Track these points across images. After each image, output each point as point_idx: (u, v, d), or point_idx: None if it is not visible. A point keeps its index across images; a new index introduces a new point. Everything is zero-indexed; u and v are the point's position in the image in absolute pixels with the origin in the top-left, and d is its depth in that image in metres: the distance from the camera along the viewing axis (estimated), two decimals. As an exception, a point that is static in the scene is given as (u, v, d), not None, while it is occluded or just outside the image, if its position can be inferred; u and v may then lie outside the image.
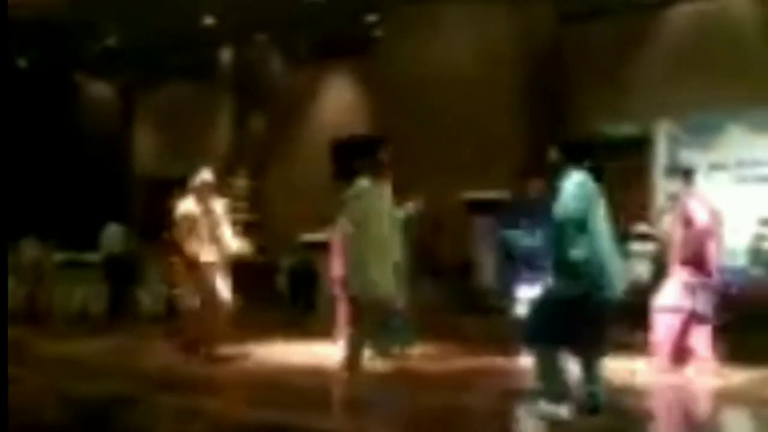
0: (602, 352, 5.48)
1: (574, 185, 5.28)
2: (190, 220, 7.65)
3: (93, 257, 12.03)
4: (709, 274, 6.81)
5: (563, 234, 5.21)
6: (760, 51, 11.30)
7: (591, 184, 5.34)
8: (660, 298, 6.96)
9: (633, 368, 6.93)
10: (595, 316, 5.39)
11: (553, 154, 5.50)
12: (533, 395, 5.43)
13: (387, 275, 6.78)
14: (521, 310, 7.78)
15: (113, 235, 12.29)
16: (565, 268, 5.24)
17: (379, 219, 6.85)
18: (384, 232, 6.86)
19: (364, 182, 6.94)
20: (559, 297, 5.27)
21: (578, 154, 5.48)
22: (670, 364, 6.88)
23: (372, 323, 6.88)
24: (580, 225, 5.20)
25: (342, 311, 8.16)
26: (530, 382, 5.54)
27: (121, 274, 11.98)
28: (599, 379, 5.41)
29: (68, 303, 11.38)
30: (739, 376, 6.82)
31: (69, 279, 11.51)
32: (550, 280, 5.46)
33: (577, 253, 5.17)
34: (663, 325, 6.91)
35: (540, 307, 5.42)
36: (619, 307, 5.54)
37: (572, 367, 5.50)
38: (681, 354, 6.90)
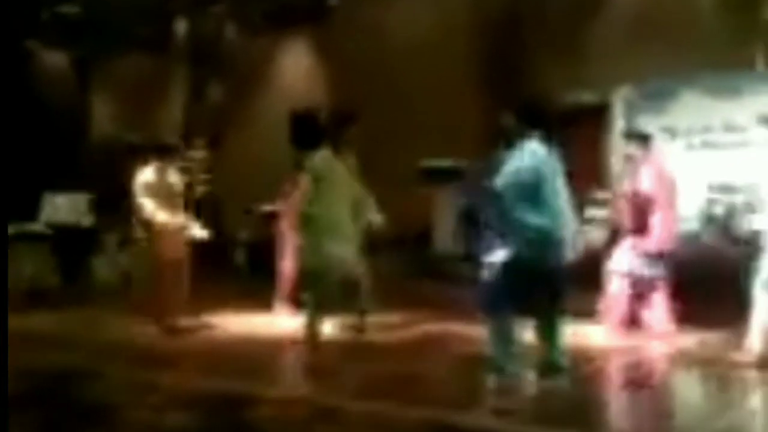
0: (559, 317, 5.54)
1: (524, 154, 5.32)
2: (149, 190, 7.58)
3: (43, 228, 11.74)
4: (660, 240, 6.89)
5: (510, 201, 5.25)
6: (715, 17, 11.37)
7: (542, 152, 5.35)
8: (612, 263, 7.04)
9: (586, 333, 7.02)
10: (550, 282, 5.44)
11: (507, 120, 5.51)
12: (488, 362, 5.47)
13: (343, 246, 6.79)
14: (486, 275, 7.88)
15: (62, 204, 12.03)
16: (515, 235, 5.30)
17: (335, 191, 6.84)
18: (340, 204, 6.85)
19: (323, 154, 6.92)
20: (512, 263, 5.31)
21: (533, 120, 5.49)
22: (623, 328, 6.98)
23: (328, 293, 6.89)
24: (528, 193, 5.24)
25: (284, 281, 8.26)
26: (487, 348, 5.58)
27: (75, 246, 11.79)
28: (558, 344, 5.48)
29: (17, 277, 11.19)
30: (690, 339, 6.94)
31: (17, 252, 11.28)
32: (505, 247, 5.47)
33: (527, 220, 5.23)
34: (614, 290, 7.00)
35: (495, 274, 5.46)
36: (573, 272, 5.59)
37: (527, 333, 5.58)
38: (633, 319, 7.01)
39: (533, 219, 5.24)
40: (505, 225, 5.36)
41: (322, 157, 6.95)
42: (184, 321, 7.66)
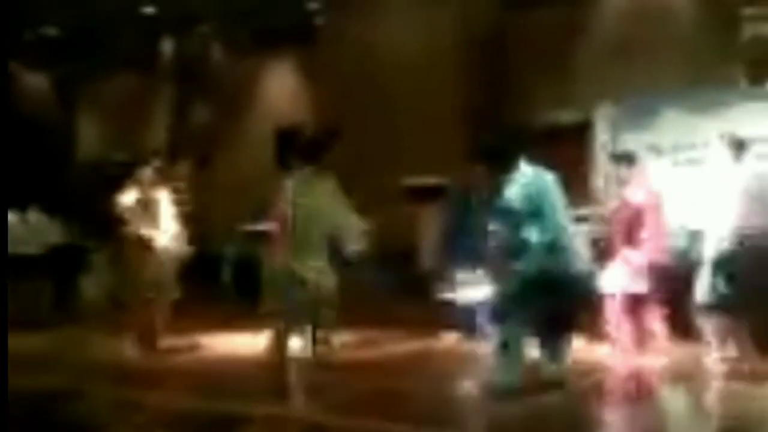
0: (569, 333, 5.62)
1: (521, 176, 5.53)
2: (132, 210, 7.59)
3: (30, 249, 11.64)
4: (652, 254, 6.93)
5: (517, 222, 5.47)
6: (696, 35, 11.52)
7: (538, 173, 5.56)
8: (607, 282, 7.04)
9: (579, 348, 7.05)
10: (556, 297, 5.52)
11: (490, 141, 5.68)
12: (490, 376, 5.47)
13: (308, 264, 6.81)
14: (459, 294, 7.96)
15: (37, 225, 11.91)
16: (523, 253, 5.46)
17: (304, 209, 6.87)
18: (310, 223, 6.87)
19: (300, 173, 6.95)
20: (520, 280, 5.43)
21: (515, 142, 5.65)
22: (630, 346, 6.96)
23: (293, 311, 6.92)
24: (532, 213, 5.44)
25: None
26: (468, 364, 5.63)
27: (64, 267, 11.73)
28: (563, 359, 5.56)
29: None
30: (684, 353, 6.94)
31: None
32: (511, 265, 5.61)
33: (531, 237, 5.41)
34: (614, 309, 7.00)
35: (505, 289, 5.56)
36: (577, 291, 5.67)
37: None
38: (639, 335, 7.01)
39: (538, 237, 5.37)
40: (513, 242, 5.47)
41: (298, 177, 6.99)
42: (171, 341, 7.66)
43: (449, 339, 8.12)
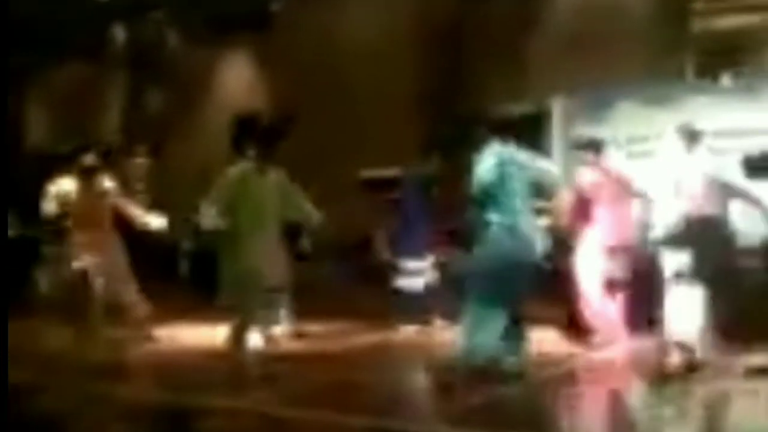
0: (522, 322, 5.65)
1: (486, 156, 5.54)
2: (66, 200, 7.49)
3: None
4: (610, 235, 7.03)
5: (481, 204, 5.51)
6: (652, 27, 11.68)
7: (506, 153, 5.57)
8: (583, 267, 7.09)
9: (540, 338, 7.14)
10: (517, 283, 5.56)
11: (446, 130, 5.71)
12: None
13: (266, 257, 6.77)
14: (403, 282, 8.02)
15: None
16: (484, 236, 5.52)
17: (255, 201, 6.81)
18: (258, 215, 6.82)
19: (244, 165, 6.88)
20: (482, 264, 5.51)
21: (465, 129, 5.67)
22: (613, 330, 7.04)
23: (254, 306, 6.89)
24: (492, 192, 5.47)
25: None
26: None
27: (14, 258, 11.54)
28: (515, 349, 5.58)
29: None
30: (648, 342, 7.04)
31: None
32: (473, 249, 5.71)
33: (493, 220, 5.46)
34: (593, 294, 7.06)
35: (471, 273, 5.64)
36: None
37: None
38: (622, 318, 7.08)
39: (497, 217, 5.43)
40: (476, 226, 5.51)
41: (239, 168, 6.92)
42: (127, 333, 7.61)
43: (407, 331, 8.17)
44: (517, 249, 5.48)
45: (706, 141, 6.94)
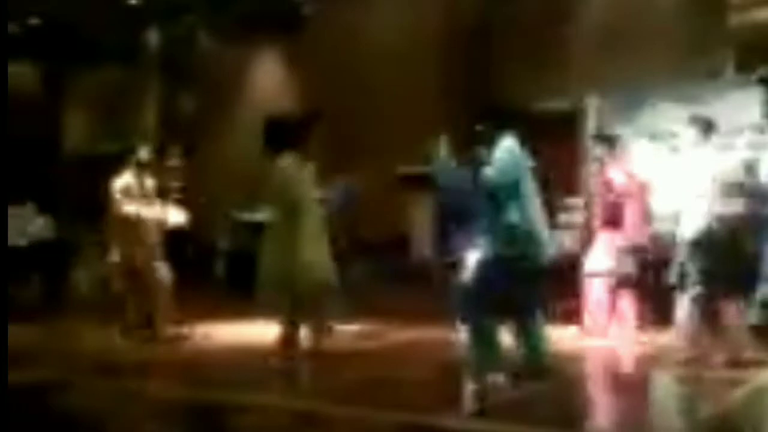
0: (539, 317, 5.61)
1: (504, 151, 5.40)
2: (129, 195, 7.59)
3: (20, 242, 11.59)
4: (631, 234, 7.01)
5: (496, 200, 5.36)
6: (684, 23, 11.58)
7: (518, 150, 5.47)
8: (588, 263, 7.14)
9: (563, 335, 7.13)
10: (530, 281, 5.51)
11: (481, 123, 5.62)
12: (467, 365, 5.54)
13: (321, 256, 6.74)
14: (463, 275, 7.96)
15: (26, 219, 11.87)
16: (499, 233, 5.37)
17: (306, 199, 6.78)
18: (313, 213, 6.80)
19: (287, 161, 6.83)
20: (494, 262, 5.37)
21: (504, 122, 5.61)
22: (602, 328, 7.07)
23: (310, 305, 6.85)
24: (511, 190, 5.34)
25: None
26: (464, 352, 5.65)
27: (56, 260, 11.70)
28: (537, 345, 5.54)
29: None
30: (663, 339, 7.04)
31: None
32: (484, 247, 5.54)
33: (509, 217, 5.32)
34: (593, 290, 7.10)
35: (476, 274, 5.51)
36: (549, 275, 5.69)
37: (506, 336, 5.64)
38: (613, 317, 7.10)
39: (515, 216, 5.34)
40: (490, 222, 5.44)
41: (284, 164, 6.85)
42: (165, 331, 7.69)
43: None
44: (534, 250, 5.41)
45: (744, 136, 6.87)
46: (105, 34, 16.40)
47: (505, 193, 5.34)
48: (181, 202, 8.40)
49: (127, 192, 7.61)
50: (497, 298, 5.34)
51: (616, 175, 7.18)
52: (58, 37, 16.65)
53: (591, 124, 9.28)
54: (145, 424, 4.84)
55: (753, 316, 6.22)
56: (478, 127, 5.63)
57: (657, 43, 11.36)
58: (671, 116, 8.96)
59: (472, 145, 5.74)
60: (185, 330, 7.96)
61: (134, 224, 7.60)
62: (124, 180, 7.67)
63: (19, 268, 11.15)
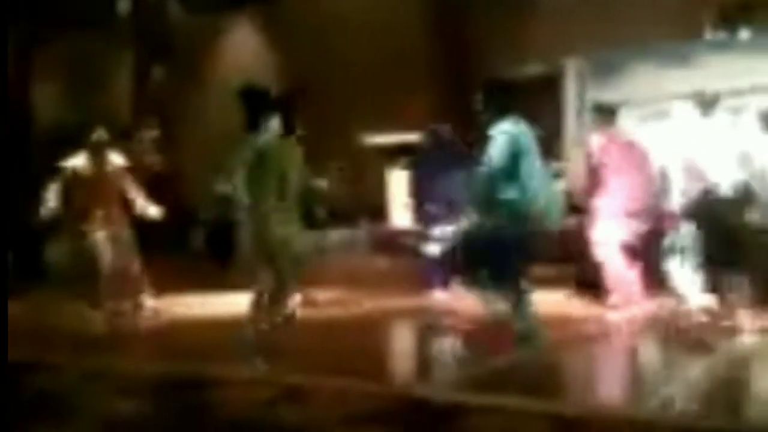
0: (528, 287, 5.63)
1: (501, 135, 5.52)
2: (78, 178, 7.50)
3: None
4: (629, 204, 6.94)
5: (495, 179, 5.51)
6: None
7: (517, 130, 5.57)
8: (603, 236, 6.99)
9: (552, 301, 7.10)
10: (522, 253, 5.59)
11: (479, 101, 5.67)
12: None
13: (285, 227, 6.68)
14: (432, 248, 7.93)
15: None
16: (496, 208, 5.53)
17: (277, 171, 6.68)
18: (286, 185, 6.71)
19: (266, 137, 6.75)
20: (490, 235, 5.52)
21: (502, 97, 5.60)
22: (629, 300, 6.96)
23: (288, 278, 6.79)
24: (510, 171, 5.48)
25: None
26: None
27: (25, 235, 11.52)
28: (526, 313, 5.55)
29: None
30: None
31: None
32: (477, 220, 5.78)
33: (508, 194, 5.47)
34: (611, 265, 6.98)
35: (471, 245, 5.68)
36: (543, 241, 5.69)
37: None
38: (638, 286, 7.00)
39: (509, 195, 5.45)
40: (488, 198, 5.52)
41: (264, 140, 6.79)
42: (138, 304, 7.62)
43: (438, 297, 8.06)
44: (525, 226, 5.50)
45: (725, 101, 6.80)
46: (76, 4, 16.10)
47: (505, 172, 5.46)
48: (159, 176, 8.29)
49: (74, 174, 7.50)
50: (491, 269, 5.49)
51: (594, 143, 7.12)
52: (27, 2, 16.27)
53: (571, 88, 9.19)
54: (118, 399, 4.75)
55: None
56: (480, 110, 5.65)
57: (637, 6, 11.29)
58: (652, 80, 8.90)
59: (471, 127, 5.85)
60: (160, 303, 7.85)
61: (85, 199, 7.53)
62: (72, 162, 7.61)
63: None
